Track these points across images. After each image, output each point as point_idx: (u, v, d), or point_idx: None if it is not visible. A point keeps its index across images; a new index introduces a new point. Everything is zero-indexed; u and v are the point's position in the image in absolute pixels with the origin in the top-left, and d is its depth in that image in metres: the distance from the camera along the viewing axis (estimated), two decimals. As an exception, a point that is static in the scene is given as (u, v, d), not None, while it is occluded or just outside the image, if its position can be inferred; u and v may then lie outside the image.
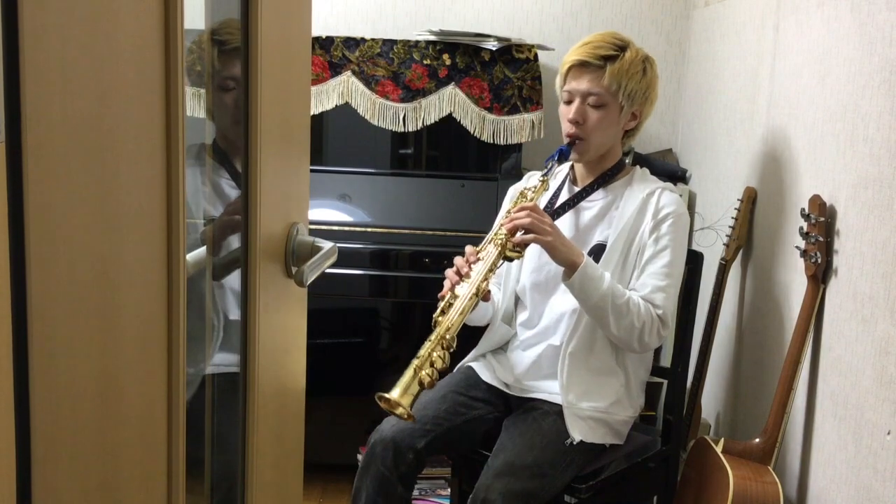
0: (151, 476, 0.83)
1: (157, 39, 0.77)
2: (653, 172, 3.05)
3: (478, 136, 2.83)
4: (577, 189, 2.08)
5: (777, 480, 1.94)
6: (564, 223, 2.04)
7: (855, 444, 1.71)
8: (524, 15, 3.27)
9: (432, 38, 2.82)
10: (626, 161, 2.12)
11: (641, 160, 3.07)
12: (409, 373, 1.64)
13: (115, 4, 0.70)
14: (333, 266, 1.23)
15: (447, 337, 1.70)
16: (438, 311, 1.79)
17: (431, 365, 1.65)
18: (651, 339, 1.92)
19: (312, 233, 1.23)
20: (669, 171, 3.12)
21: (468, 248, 1.90)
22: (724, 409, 2.63)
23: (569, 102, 2.00)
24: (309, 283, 1.13)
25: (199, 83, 0.99)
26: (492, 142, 2.83)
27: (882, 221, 1.64)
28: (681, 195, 2.09)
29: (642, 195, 1.99)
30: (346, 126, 2.91)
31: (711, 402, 2.67)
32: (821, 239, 1.87)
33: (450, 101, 2.83)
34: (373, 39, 2.84)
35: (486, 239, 1.92)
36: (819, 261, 1.86)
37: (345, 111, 2.84)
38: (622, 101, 1.97)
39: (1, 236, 0.57)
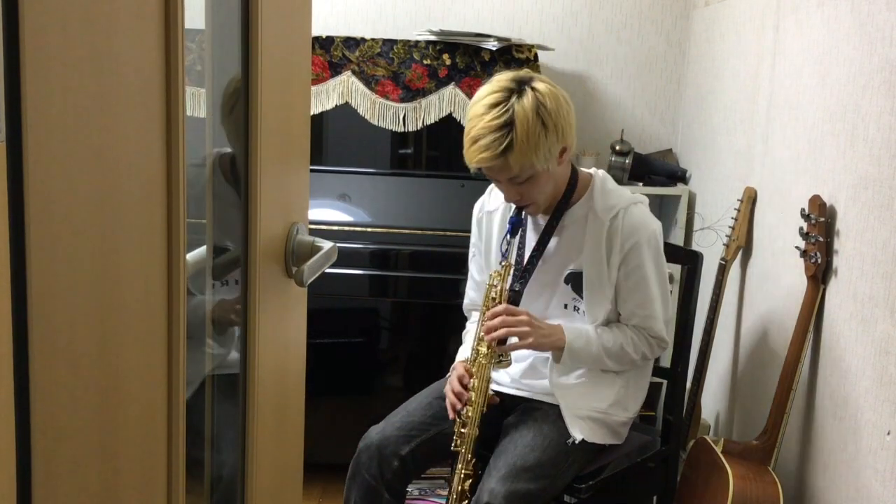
0: (151, 476, 0.83)
1: (157, 39, 0.77)
2: (653, 172, 3.09)
3: (478, 136, 2.82)
4: (541, 222, 1.99)
5: (777, 480, 1.94)
6: (535, 261, 2.00)
7: (854, 444, 1.71)
8: (524, 15, 3.27)
9: (432, 38, 2.82)
10: (589, 172, 2.02)
11: (641, 160, 3.07)
12: None
13: (115, 4, 0.70)
14: (333, 266, 1.23)
15: (470, 466, 1.88)
16: (455, 440, 1.90)
17: (466, 497, 1.86)
18: (653, 356, 2.03)
19: (312, 233, 1.23)
20: (669, 171, 3.12)
21: (460, 369, 1.97)
22: (724, 409, 2.63)
23: (498, 181, 1.91)
24: (309, 282, 1.13)
25: (199, 83, 0.99)
26: (492, 142, 2.83)
27: (882, 221, 1.64)
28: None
29: (607, 218, 1.91)
30: (346, 126, 2.91)
31: (711, 402, 2.67)
32: (821, 239, 1.87)
33: (450, 101, 2.83)
34: (373, 39, 2.84)
35: (472, 347, 1.97)
36: (819, 261, 1.86)
37: (345, 111, 2.83)
38: (542, 166, 1.81)
39: (1, 236, 0.57)
